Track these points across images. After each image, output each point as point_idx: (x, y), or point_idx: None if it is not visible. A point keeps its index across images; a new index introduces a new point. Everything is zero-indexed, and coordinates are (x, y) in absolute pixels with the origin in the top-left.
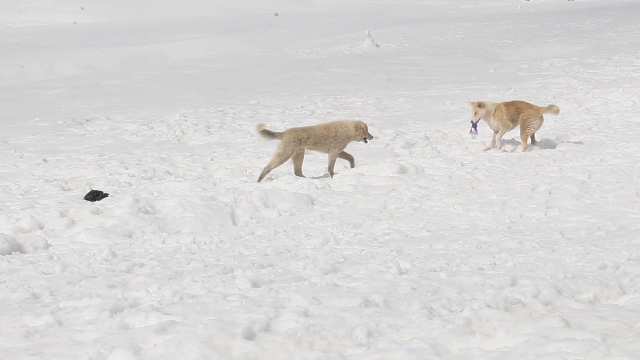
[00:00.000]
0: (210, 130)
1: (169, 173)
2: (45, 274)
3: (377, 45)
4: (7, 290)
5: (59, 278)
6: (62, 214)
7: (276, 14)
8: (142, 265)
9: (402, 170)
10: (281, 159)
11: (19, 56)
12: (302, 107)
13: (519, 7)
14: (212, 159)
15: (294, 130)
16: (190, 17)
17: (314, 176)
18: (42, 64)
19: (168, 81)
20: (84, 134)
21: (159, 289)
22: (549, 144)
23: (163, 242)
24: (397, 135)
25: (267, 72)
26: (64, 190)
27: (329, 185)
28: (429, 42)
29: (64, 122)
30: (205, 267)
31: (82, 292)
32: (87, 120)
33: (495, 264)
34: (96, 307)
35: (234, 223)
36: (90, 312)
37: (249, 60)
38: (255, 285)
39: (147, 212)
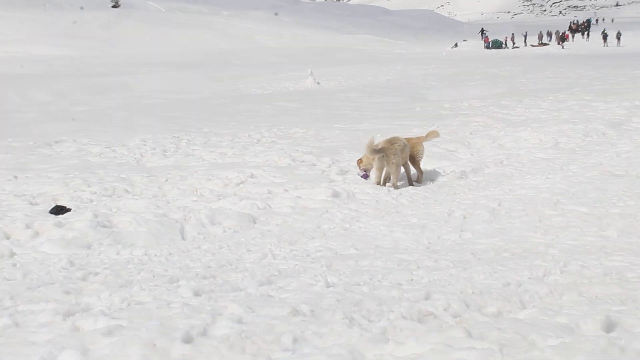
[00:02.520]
0: (166, 154)
1: (127, 191)
2: (8, 280)
3: (319, 83)
4: None
5: (20, 284)
6: (28, 226)
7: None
8: (96, 274)
9: (336, 195)
10: (398, 167)
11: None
12: (249, 135)
13: (444, 54)
14: (166, 180)
15: (396, 139)
16: (153, 54)
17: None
18: (18, 91)
19: (131, 109)
20: (52, 154)
21: (110, 296)
22: (464, 175)
23: (118, 254)
24: (332, 163)
25: (220, 103)
26: (32, 204)
27: (270, 206)
28: (364, 81)
29: (35, 143)
30: (154, 277)
31: (39, 297)
32: (55, 142)
33: (412, 279)
34: (51, 311)
35: (183, 238)
36: (45, 315)
37: (204, 93)
38: (196, 294)
39: (105, 226)
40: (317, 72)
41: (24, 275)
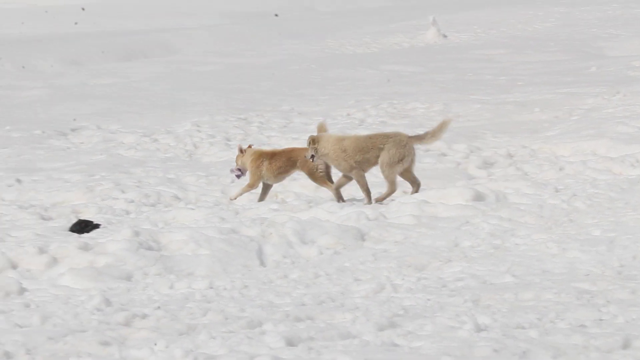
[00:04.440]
0: (230, 143)
1: (178, 198)
2: (20, 327)
3: (445, 36)
4: None
5: (37, 332)
6: (41, 250)
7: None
8: (144, 316)
9: (479, 197)
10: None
11: None
12: (348, 114)
13: None
14: (232, 181)
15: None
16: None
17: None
18: (14, 58)
19: (176, 81)
20: (68, 148)
21: (167, 347)
22: None
23: (171, 287)
24: (471, 152)
25: (303, 69)
26: (43, 219)
27: (384, 216)
28: (512, 32)
29: (43, 132)
30: (226, 319)
31: (67, 351)
32: (72, 130)
33: (601, 319)
34: None
35: (262, 263)
36: None
37: (280, 54)
38: (290, 343)
39: (150, 249)
40: (441, 19)
41: (42, 320)
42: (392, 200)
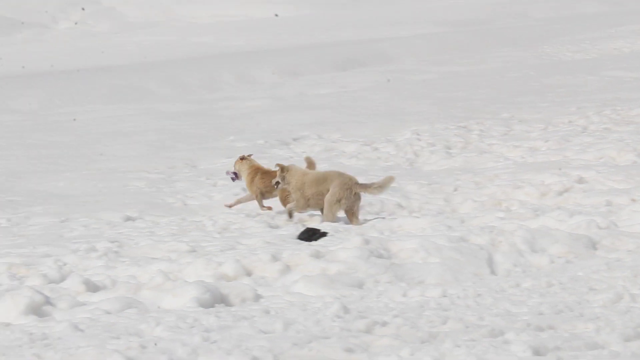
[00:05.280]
0: (450, 151)
1: (401, 206)
2: (265, 333)
3: None
4: (221, 352)
5: (281, 338)
6: (274, 258)
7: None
8: (384, 323)
9: None
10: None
11: (205, 60)
12: (570, 121)
13: None
14: (455, 189)
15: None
16: (417, 9)
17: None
18: (234, 69)
19: (394, 90)
20: (291, 157)
21: (412, 355)
22: None
23: (404, 295)
24: None
25: (521, 76)
26: (271, 227)
27: (615, 224)
28: None
29: (266, 142)
30: (466, 327)
31: (313, 357)
32: (294, 140)
33: None
34: None
35: (493, 272)
36: None
37: (496, 62)
38: (537, 353)
39: (380, 257)
40: None
41: (284, 326)
42: (622, 207)
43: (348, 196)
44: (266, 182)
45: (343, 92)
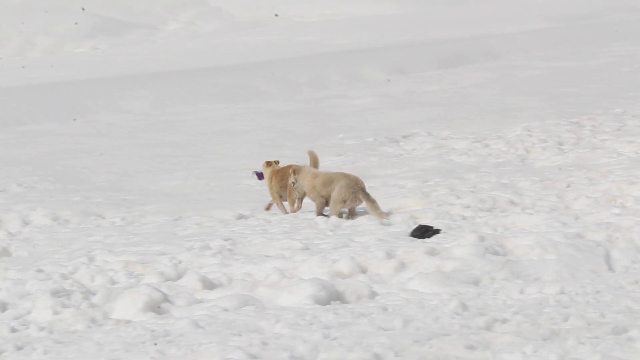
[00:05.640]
0: (562, 148)
1: (514, 203)
2: (384, 330)
3: None
4: (342, 349)
5: (401, 335)
6: (389, 255)
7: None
8: (504, 321)
9: None
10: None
11: (312, 59)
12: None
13: None
14: (568, 185)
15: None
16: (524, 4)
17: None
18: (341, 68)
19: (503, 86)
20: (400, 154)
21: (535, 352)
22: None
23: (521, 292)
24: None
25: (634, 71)
26: (383, 225)
27: None
28: None
29: (375, 140)
30: (588, 325)
31: (434, 354)
32: (403, 137)
33: None
34: None
35: (610, 268)
36: None
37: (608, 57)
38: None
39: (495, 253)
40: None
41: (404, 324)
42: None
43: (352, 198)
44: (280, 182)
45: (452, 88)
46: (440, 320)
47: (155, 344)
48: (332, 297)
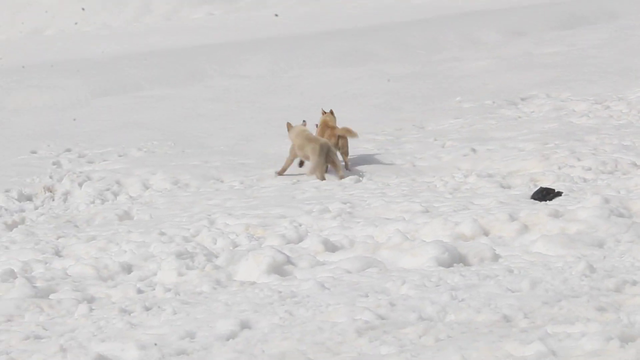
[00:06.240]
0: None
1: (636, 165)
2: (512, 292)
3: None
4: (470, 310)
5: (529, 297)
6: (512, 217)
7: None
8: (634, 282)
9: None
10: None
11: (428, 22)
12: None
13: None
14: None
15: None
16: None
17: None
18: (457, 30)
19: (623, 46)
20: (519, 117)
21: None
22: None
23: None
24: None
25: None
26: (502, 187)
27: None
28: None
29: (493, 102)
30: None
31: (565, 315)
32: (522, 99)
33: None
34: (597, 335)
35: None
36: (590, 340)
37: None
38: None
39: (621, 216)
40: None
41: (531, 285)
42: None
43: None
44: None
45: (571, 50)
46: (568, 282)
47: None
48: (454, 259)
